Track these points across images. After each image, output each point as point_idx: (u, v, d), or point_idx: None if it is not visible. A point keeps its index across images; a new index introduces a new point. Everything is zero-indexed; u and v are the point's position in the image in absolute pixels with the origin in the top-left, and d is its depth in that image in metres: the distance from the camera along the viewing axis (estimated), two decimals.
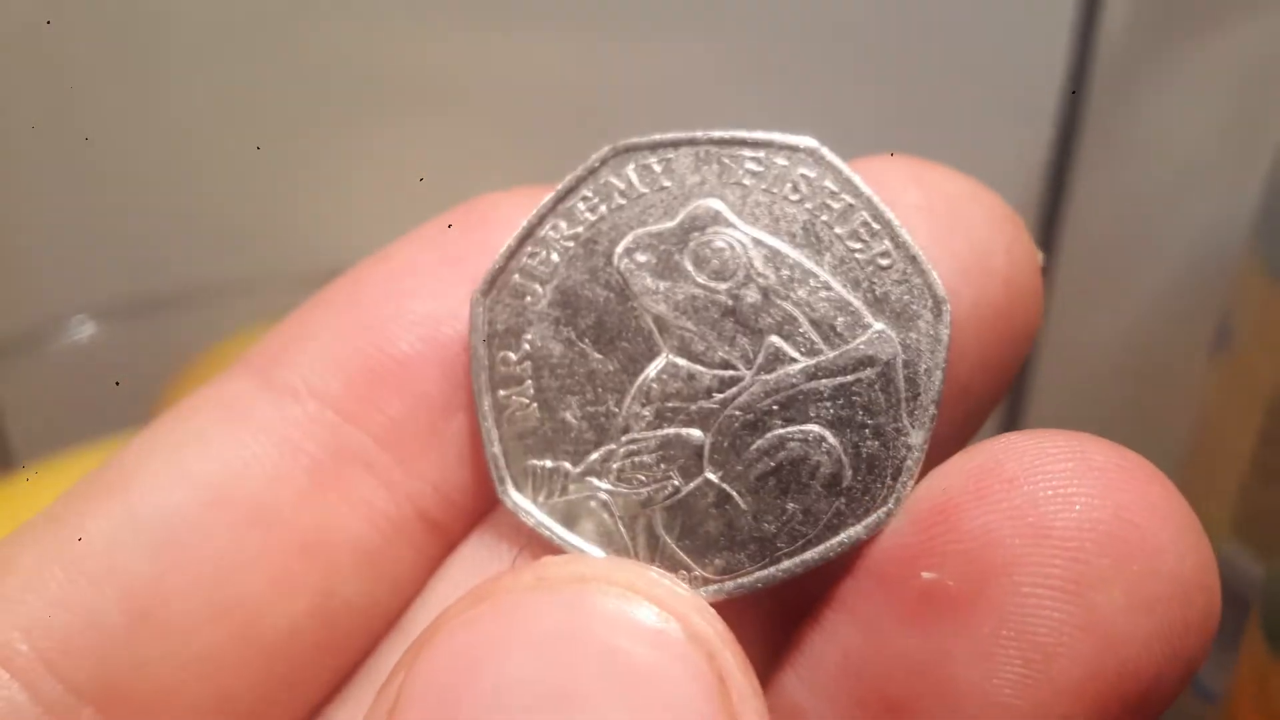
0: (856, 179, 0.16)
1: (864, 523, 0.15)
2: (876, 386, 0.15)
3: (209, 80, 0.36)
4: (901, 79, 0.35)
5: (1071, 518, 0.13)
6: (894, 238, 0.16)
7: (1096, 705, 0.13)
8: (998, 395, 0.17)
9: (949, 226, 0.16)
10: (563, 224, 0.16)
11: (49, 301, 0.37)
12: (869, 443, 0.15)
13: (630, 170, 0.16)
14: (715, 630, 0.13)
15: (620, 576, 0.14)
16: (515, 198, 0.17)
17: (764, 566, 0.15)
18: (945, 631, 0.14)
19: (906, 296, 0.16)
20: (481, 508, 0.17)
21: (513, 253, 0.16)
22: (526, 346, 0.16)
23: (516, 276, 0.16)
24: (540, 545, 0.16)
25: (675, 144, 0.16)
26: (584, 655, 0.13)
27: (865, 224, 0.16)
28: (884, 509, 0.15)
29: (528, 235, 0.16)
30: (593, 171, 0.16)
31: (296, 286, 0.17)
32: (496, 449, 0.16)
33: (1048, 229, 0.37)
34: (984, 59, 0.35)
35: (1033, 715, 0.13)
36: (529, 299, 0.16)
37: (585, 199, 0.16)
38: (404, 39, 0.34)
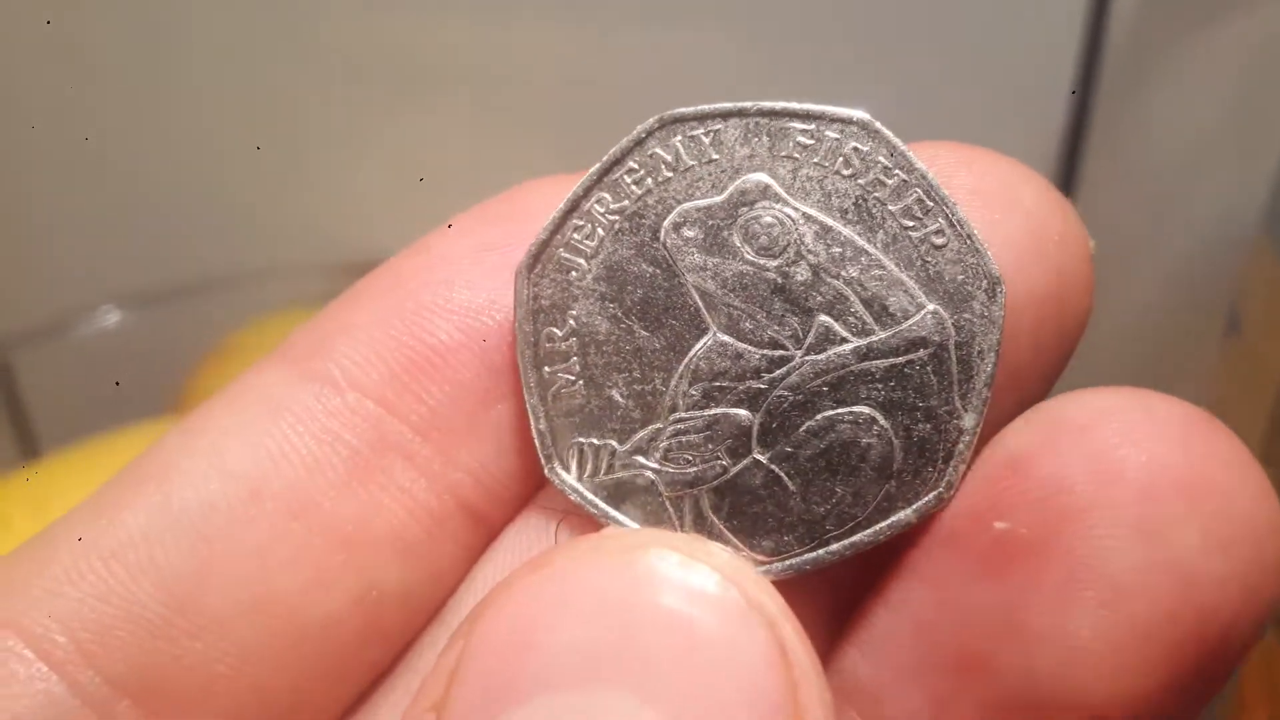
0: (910, 154, 0.16)
1: (914, 506, 0.15)
2: (929, 368, 0.15)
3: (232, 72, 0.35)
4: (914, 66, 0.35)
5: (1143, 461, 0.14)
6: (948, 216, 0.15)
7: (1174, 645, 0.13)
8: (1050, 380, 0.16)
9: (1003, 209, 0.15)
10: (608, 197, 0.16)
11: (74, 290, 0.37)
12: (920, 425, 0.15)
13: (677, 142, 0.16)
14: (774, 601, 0.13)
15: (680, 544, 0.14)
16: (553, 185, 0.17)
17: (812, 549, 0.15)
18: (1020, 580, 0.14)
19: (961, 276, 0.15)
20: (523, 496, 0.17)
21: (557, 227, 0.16)
22: (572, 323, 0.16)
23: (561, 251, 0.16)
24: (586, 523, 0.16)
25: (724, 115, 0.16)
26: (644, 619, 0.13)
27: (919, 201, 0.15)
28: (935, 493, 0.15)
29: (572, 209, 0.16)
30: (639, 143, 0.16)
31: (318, 274, 0.17)
32: (543, 425, 0.16)
33: None
34: (996, 48, 0.35)
35: (1111, 657, 0.13)
36: (574, 274, 0.16)
37: (631, 171, 0.16)
38: (425, 26, 0.34)
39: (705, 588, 0.13)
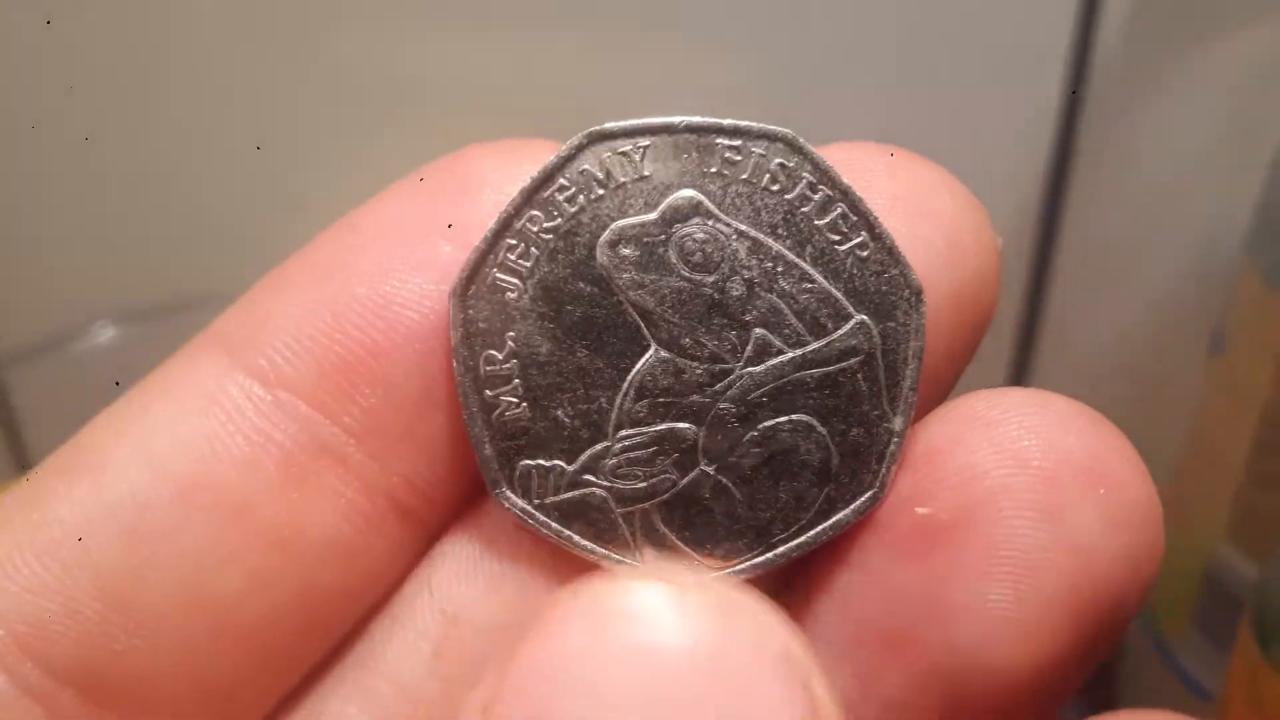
0: (833, 170, 0.16)
1: (852, 507, 0.16)
2: (860, 376, 0.16)
3: (230, 90, 0.33)
4: (903, 83, 0.35)
5: (1045, 451, 0.15)
6: (871, 230, 0.16)
7: (1076, 615, 0.15)
8: (959, 374, 0.18)
9: (922, 215, 0.16)
10: (540, 215, 0.16)
11: (68, 306, 0.35)
12: (854, 430, 0.16)
13: (607, 158, 0.16)
14: (809, 657, 0.14)
15: (716, 589, 0.14)
16: (494, 154, 0.16)
17: (761, 553, 0.16)
18: (942, 559, 0.15)
19: (885, 288, 0.16)
20: (456, 496, 0.17)
21: (490, 247, 0.16)
22: (511, 344, 0.16)
23: (496, 272, 0.16)
24: (535, 539, 0.16)
25: (652, 131, 0.16)
26: (679, 666, 0.13)
27: (844, 215, 0.16)
28: (870, 493, 0.16)
29: (504, 228, 0.16)
30: (569, 159, 0.16)
31: None
32: (487, 450, 0.16)
33: (1046, 234, 0.37)
34: (984, 65, 0.35)
35: (1022, 627, 0.15)
36: (510, 295, 0.16)
37: (562, 189, 0.16)
38: (425, 51, 0.33)
39: (743, 639, 0.13)
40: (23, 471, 0.33)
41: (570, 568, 0.16)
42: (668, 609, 0.12)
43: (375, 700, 0.16)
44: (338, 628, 0.16)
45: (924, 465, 0.16)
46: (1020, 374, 0.40)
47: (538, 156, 0.16)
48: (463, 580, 0.16)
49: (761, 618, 0.12)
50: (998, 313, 0.17)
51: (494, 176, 0.16)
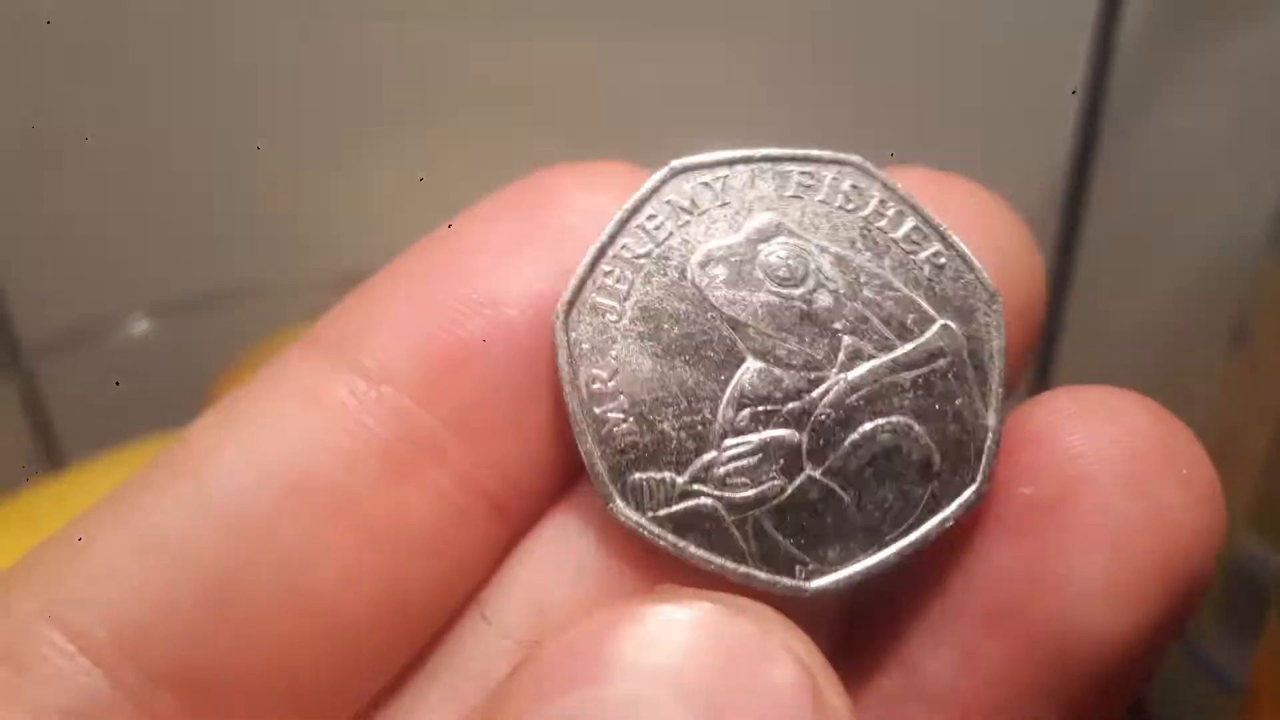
0: (900, 188, 0.17)
1: (958, 501, 0.16)
2: (950, 375, 0.17)
3: (263, 82, 0.34)
4: (926, 80, 0.36)
5: (1134, 436, 0.16)
6: (944, 239, 0.17)
7: (1167, 583, 0.16)
8: (1021, 379, 0.18)
9: (984, 232, 0.18)
10: (631, 243, 0.17)
11: (101, 298, 0.35)
12: (951, 427, 0.17)
13: (690, 188, 0.17)
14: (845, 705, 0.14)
15: (764, 624, 0.14)
16: (580, 174, 0.17)
17: (875, 552, 0.16)
18: (1045, 535, 0.16)
19: (963, 292, 0.17)
20: (546, 489, 0.17)
21: (588, 273, 0.16)
22: (614, 363, 0.16)
23: (595, 295, 0.16)
24: (623, 536, 0.16)
25: (730, 162, 0.17)
26: (720, 691, 0.13)
27: (916, 228, 0.17)
28: (973, 488, 0.16)
29: (600, 255, 0.17)
30: (654, 191, 0.17)
31: (347, 284, 0.17)
32: (599, 467, 0.16)
33: (1068, 226, 0.38)
34: (1006, 59, 0.36)
35: (1118, 597, 0.16)
36: (610, 317, 0.16)
37: (650, 217, 0.17)
38: (452, 45, 0.34)
39: (782, 679, 0.13)
40: (54, 464, 0.33)
41: (661, 564, 0.16)
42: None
43: (463, 701, 0.16)
44: (427, 627, 0.16)
45: (1021, 453, 0.17)
46: (1045, 364, 0.40)
47: (615, 177, 0.17)
48: (551, 572, 0.16)
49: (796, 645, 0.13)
50: None
51: (576, 192, 0.17)
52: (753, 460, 0.16)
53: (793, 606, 0.16)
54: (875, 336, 0.17)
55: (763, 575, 0.16)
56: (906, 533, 0.16)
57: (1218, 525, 0.16)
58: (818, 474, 0.16)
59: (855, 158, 0.17)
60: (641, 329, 0.16)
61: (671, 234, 0.17)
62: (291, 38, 0.34)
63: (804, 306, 0.17)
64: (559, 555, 0.16)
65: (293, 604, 0.15)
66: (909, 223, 0.17)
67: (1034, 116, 0.37)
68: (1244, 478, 0.33)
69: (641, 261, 0.17)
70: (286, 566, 0.15)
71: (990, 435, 0.17)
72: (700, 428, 0.16)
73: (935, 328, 0.17)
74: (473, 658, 0.16)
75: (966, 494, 0.16)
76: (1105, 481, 0.16)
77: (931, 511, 0.16)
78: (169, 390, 0.29)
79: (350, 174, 0.34)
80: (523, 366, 0.16)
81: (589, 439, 0.16)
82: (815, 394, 0.16)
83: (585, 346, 0.16)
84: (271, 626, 0.15)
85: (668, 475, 0.16)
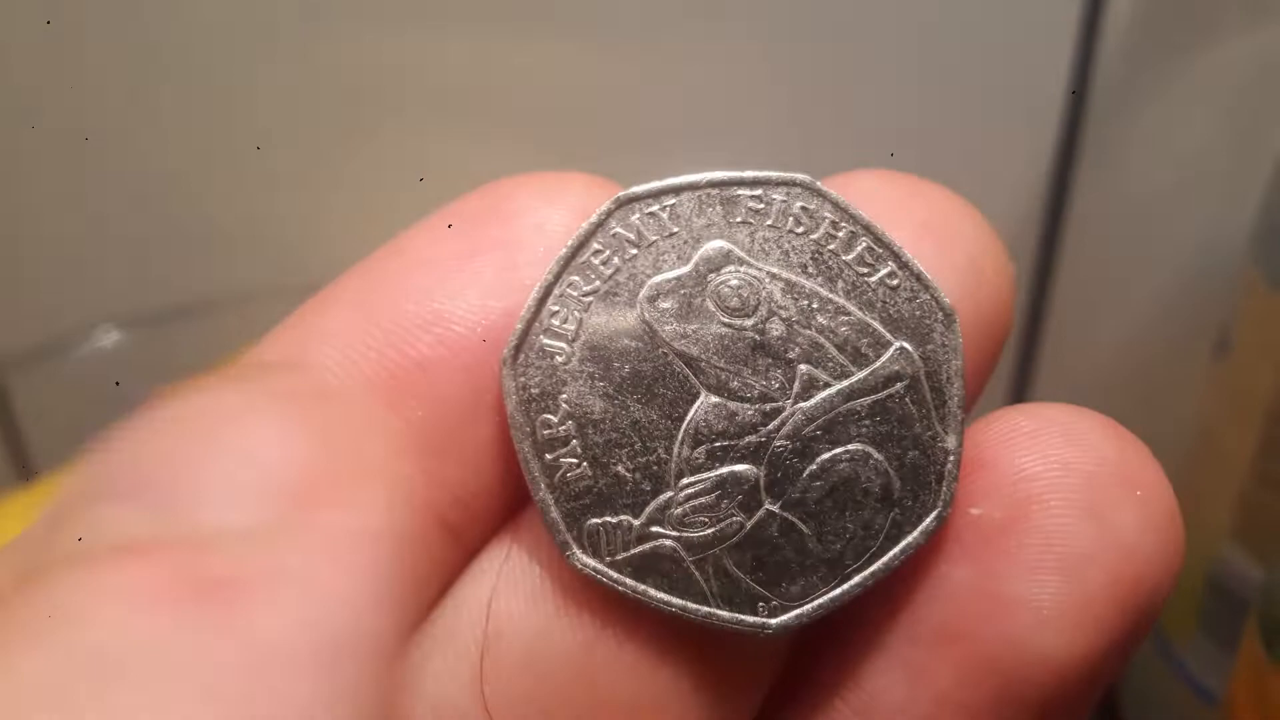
0: (852, 207, 0.17)
1: (920, 528, 0.16)
2: (908, 399, 0.16)
3: (233, 96, 0.34)
4: (905, 86, 0.35)
5: (1088, 457, 0.16)
6: (898, 259, 0.17)
7: (1119, 607, 0.16)
8: (980, 394, 0.18)
9: (946, 242, 0.17)
10: (579, 280, 0.16)
11: (70, 311, 0.35)
12: (911, 453, 0.16)
13: (636, 219, 0.17)
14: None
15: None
16: (533, 185, 0.17)
17: (836, 585, 0.16)
18: (996, 556, 0.16)
19: (918, 313, 0.17)
20: (497, 510, 0.17)
21: (534, 314, 0.16)
22: (565, 406, 0.16)
23: (542, 338, 0.16)
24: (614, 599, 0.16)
25: (676, 190, 0.17)
26: None
27: (869, 249, 0.17)
28: (935, 513, 0.16)
29: (545, 296, 0.16)
30: (599, 225, 0.17)
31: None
32: (554, 514, 0.16)
33: (1049, 237, 0.38)
34: (987, 67, 0.36)
35: (1070, 620, 0.16)
36: (559, 359, 0.16)
37: (597, 252, 0.16)
38: (426, 52, 0.34)
39: None
40: (25, 477, 0.33)
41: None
42: None
43: None
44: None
45: (974, 473, 0.16)
46: (1024, 378, 0.40)
47: (569, 188, 0.17)
48: (504, 595, 0.16)
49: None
50: None
51: (530, 204, 0.16)
52: (710, 498, 0.16)
53: (753, 642, 0.16)
54: (830, 364, 0.16)
55: (725, 614, 0.16)
56: (869, 563, 0.16)
57: (1174, 548, 0.16)
58: (776, 508, 0.16)
59: (803, 177, 0.17)
60: (591, 369, 0.16)
61: (619, 269, 0.16)
62: (257, 53, 0.34)
63: (756, 337, 0.16)
64: (511, 577, 0.16)
65: None
66: (861, 244, 0.17)
67: (1014, 128, 0.37)
68: (1225, 490, 0.33)
69: (589, 299, 0.16)
70: None
71: (951, 458, 0.16)
72: (655, 468, 0.16)
73: (891, 351, 0.17)
74: (425, 682, 0.16)
75: (928, 520, 0.16)
76: (1056, 504, 0.16)
77: (893, 540, 0.16)
78: (138, 402, 0.28)
79: (321, 186, 0.34)
80: (470, 383, 0.16)
81: (542, 487, 0.16)
82: (771, 426, 0.16)
83: (534, 391, 0.16)
84: None
85: (624, 519, 0.16)
